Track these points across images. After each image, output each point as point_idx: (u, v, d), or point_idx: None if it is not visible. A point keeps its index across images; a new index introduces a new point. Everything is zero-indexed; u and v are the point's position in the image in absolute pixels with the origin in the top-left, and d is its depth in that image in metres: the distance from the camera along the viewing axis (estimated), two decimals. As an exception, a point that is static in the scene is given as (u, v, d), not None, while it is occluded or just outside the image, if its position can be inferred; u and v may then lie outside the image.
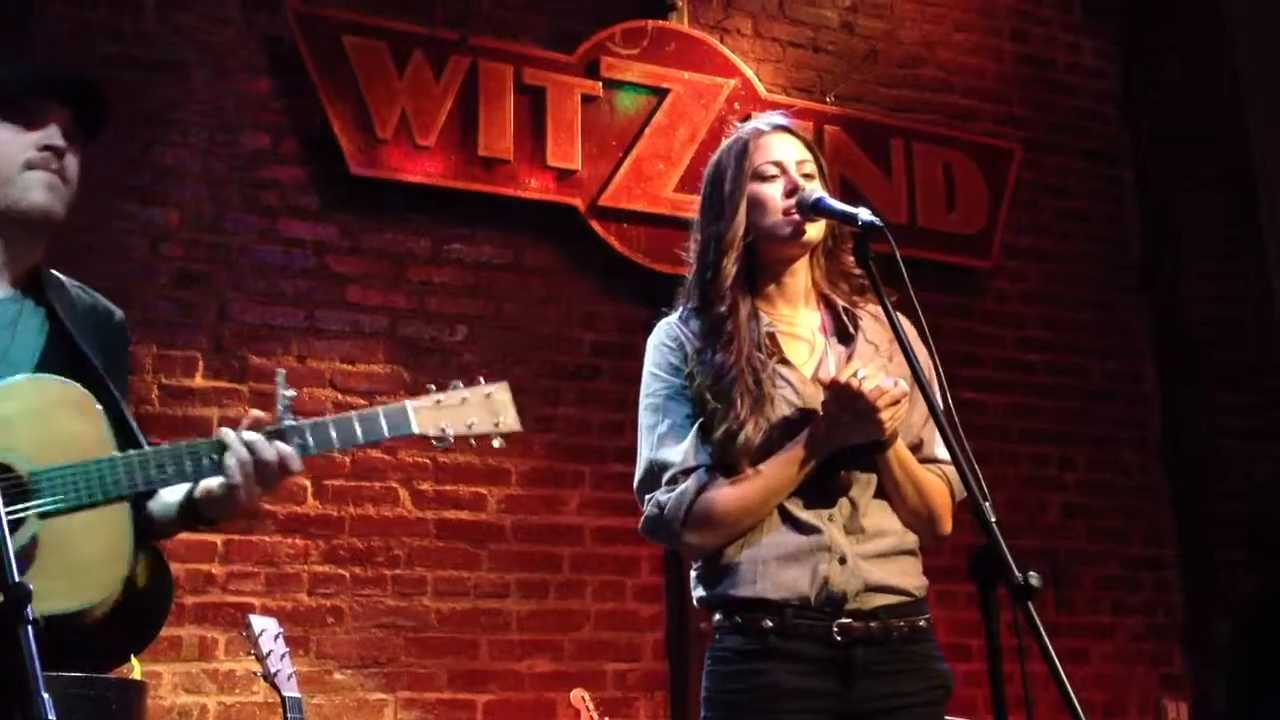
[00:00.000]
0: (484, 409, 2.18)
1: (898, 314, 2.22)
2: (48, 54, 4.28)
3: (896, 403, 2.21)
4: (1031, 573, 1.89)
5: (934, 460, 2.39)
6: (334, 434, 2.10)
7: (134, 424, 2.13)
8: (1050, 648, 1.85)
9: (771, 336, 2.36)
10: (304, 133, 4.58)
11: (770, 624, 2.24)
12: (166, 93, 4.43)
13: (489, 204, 4.74)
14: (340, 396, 4.46)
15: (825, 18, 5.59)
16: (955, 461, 2.02)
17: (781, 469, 2.26)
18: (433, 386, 2.17)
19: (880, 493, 2.33)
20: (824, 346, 2.39)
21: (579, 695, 4.03)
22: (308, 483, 4.37)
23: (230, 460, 2.02)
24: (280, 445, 2.04)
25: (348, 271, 4.56)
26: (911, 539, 2.36)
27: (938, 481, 2.37)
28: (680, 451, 2.31)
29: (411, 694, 4.37)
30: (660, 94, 5.01)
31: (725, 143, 2.48)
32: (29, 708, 1.52)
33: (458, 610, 4.49)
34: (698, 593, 2.38)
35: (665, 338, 2.43)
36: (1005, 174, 5.63)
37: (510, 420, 2.19)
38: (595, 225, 4.83)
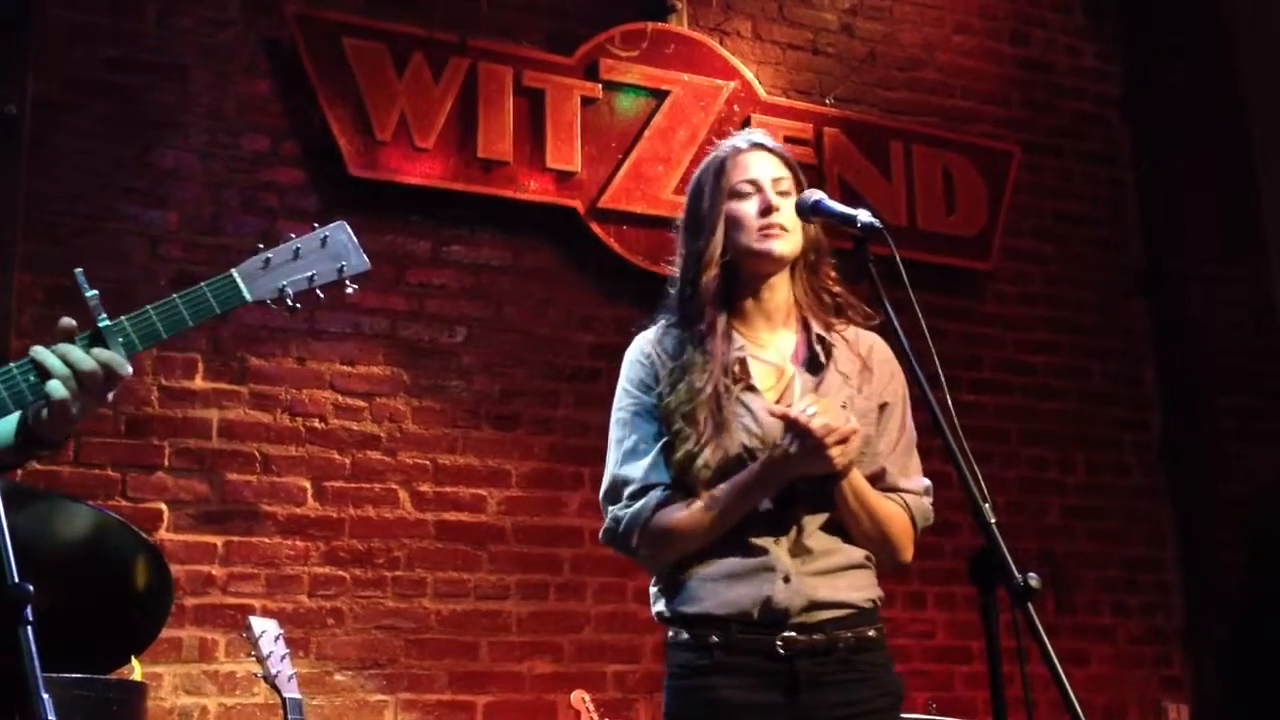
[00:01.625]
0: (322, 256, 2.08)
1: (879, 325, 2.32)
2: (48, 57, 4.29)
3: (846, 440, 2.23)
4: (1031, 574, 1.90)
5: (897, 489, 2.41)
6: (158, 322, 1.94)
7: None
8: (1050, 649, 1.85)
9: (741, 361, 2.39)
10: (303, 135, 4.58)
11: (717, 639, 2.29)
12: (166, 95, 4.43)
13: (488, 206, 4.75)
14: (340, 398, 4.47)
15: (825, 20, 5.60)
16: (955, 463, 2.02)
17: (735, 495, 2.29)
18: (261, 245, 2.04)
19: (832, 519, 2.36)
20: (793, 375, 2.41)
21: (579, 697, 4.03)
22: (307, 484, 4.37)
23: (50, 379, 1.84)
24: (99, 351, 1.87)
25: (347, 273, 4.56)
26: (860, 553, 2.38)
27: (897, 510, 2.39)
28: (642, 468, 2.36)
29: (412, 695, 4.37)
30: (660, 96, 5.02)
31: (705, 160, 2.51)
32: (29, 708, 1.52)
33: (458, 612, 4.49)
34: (656, 608, 2.42)
35: (639, 354, 2.46)
36: (1005, 176, 5.63)
37: (356, 261, 2.10)
38: (595, 227, 4.84)
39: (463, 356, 4.67)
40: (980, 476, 2.00)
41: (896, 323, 2.19)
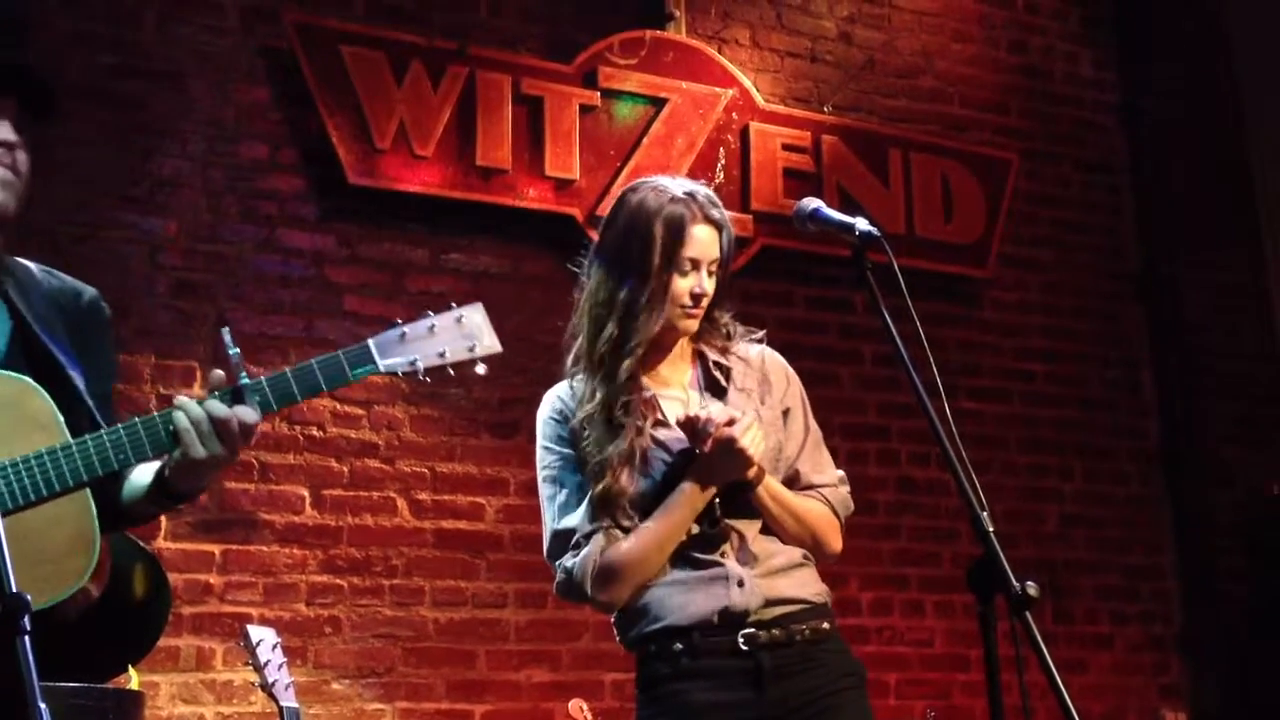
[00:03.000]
0: (456, 335, 2.11)
1: (765, 349, 2.55)
2: (48, 65, 4.29)
3: (749, 430, 2.31)
4: (1029, 583, 1.90)
5: (813, 486, 2.50)
6: (294, 385, 2.01)
7: (93, 407, 2.05)
8: (1048, 658, 1.85)
9: (650, 401, 2.45)
10: (302, 143, 4.58)
11: (680, 647, 2.36)
12: (165, 103, 4.44)
13: (487, 214, 4.75)
14: (338, 406, 4.46)
15: (823, 28, 5.61)
16: (953, 471, 2.03)
17: (668, 518, 2.37)
18: (399, 320, 2.09)
19: (765, 526, 2.44)
20: (697, 401, 2.47)
21: (577, 705, 4.03)
22: (305, 493, 4.37)
23: (186, 428, 1.94)
24: (236, 406, 1.97)
25: (346, 281, 4.56)
26: (798, 553, 2.46)
27: (817, 505, 2.48)
28: (579, 517, 2.43)
29: (409, 704, 4.36)
30: (658, 104, 5.02)
31: (653, 198, 2.47)
32: (26, 718, 1.52)
33: (456, 620, 4.49)
34: (620, 637, 2.51)
35: (552, 411, 2.52)
36: (1003, 184, 5.64)
37: (488, 342, 2.13)
38: (594, 235, 4.83)
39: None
40: (978, 484, 2.01)
41: (894, 330, 2.19)
